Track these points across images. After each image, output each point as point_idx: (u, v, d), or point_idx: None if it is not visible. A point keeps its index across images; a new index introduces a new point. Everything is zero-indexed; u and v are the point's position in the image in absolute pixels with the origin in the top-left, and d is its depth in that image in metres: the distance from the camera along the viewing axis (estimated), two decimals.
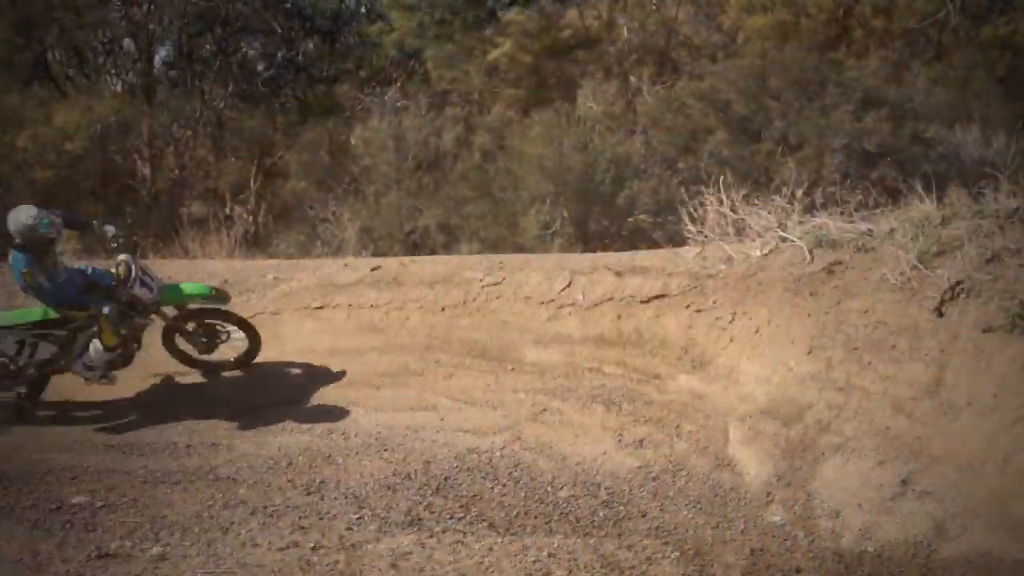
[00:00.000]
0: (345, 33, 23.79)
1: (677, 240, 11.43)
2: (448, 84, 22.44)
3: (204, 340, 8.29)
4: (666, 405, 7.66)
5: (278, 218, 21.79)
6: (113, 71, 23.29)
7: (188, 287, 8.19)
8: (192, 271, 10.30)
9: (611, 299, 8.58)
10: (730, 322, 7.89)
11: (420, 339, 8.87)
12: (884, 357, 6.55)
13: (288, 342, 9.00)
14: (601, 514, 6.62)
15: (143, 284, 7.50)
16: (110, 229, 7.73)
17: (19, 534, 3.51)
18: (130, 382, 8.05)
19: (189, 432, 7.58)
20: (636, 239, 16.07)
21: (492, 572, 3.24)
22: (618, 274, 8.75)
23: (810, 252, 7.98)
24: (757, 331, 7.62)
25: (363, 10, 24.41)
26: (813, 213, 8.89)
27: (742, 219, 9.27)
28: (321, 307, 9.36)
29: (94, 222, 7.82)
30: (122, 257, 7.54)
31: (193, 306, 8.20)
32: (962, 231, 6.88)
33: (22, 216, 7.19)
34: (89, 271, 7.83)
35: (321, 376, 8.49)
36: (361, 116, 22.53)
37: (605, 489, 6.86)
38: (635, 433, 7.36)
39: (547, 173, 17.61)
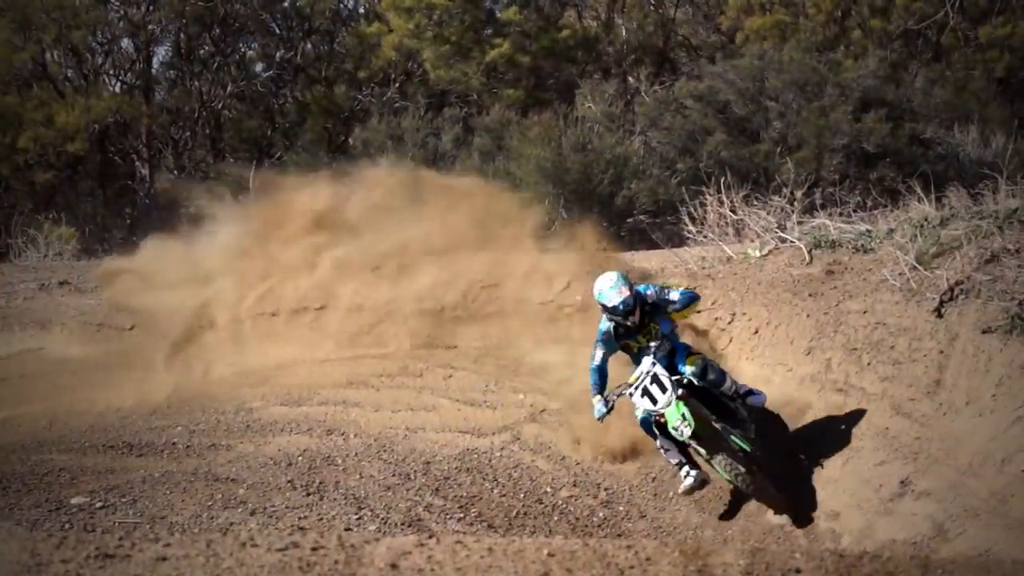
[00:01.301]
0: (343, 33, 23.79)
1: (676, 240, 11.45)
2: (447, 84, 22.43)
3: None
4: None
5: None
6: (112, 72, 23.27)
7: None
8: None
9: None
10: (729, 322, 7.89)
11: (420, 339, 8.87)
12: (883, 358, 6.55)
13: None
14: (601, 514, 6.62)
15: (646, 394, 6.72)
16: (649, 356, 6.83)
17: (19, 534, 3.50)
18: None
19: (189, 433, 7.57)
20: (635, 239, 16.06)
21: (491, 572, 3.23)
22: None
23: (809, 253, 7.98)
24: (756, 332, 7.61)
25: (361, 10, 24.40)
26: (812, 214, 8.91)
27: (741, 219, 9.28)
28: (322, 308, 9.37)
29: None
30: (645, 360, 6.80)
31: None
32: (961, 232, 6.87)
33: (594, 282, 6.74)
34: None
35: (321, 376, 8.48)
36: (360, 116, 22.54)
37: (605, 489, 6.86)
38: (634, 433, 7.35)
39: (546, 173, 17.59)
